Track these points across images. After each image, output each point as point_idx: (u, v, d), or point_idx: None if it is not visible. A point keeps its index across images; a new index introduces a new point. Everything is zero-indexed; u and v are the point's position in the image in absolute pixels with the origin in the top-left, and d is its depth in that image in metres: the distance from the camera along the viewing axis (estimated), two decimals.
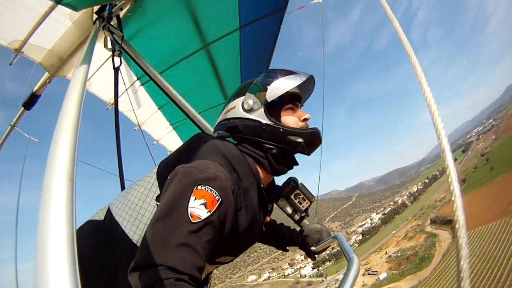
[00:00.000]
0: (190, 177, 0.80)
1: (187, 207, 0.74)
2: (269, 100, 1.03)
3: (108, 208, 1.05)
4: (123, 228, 0.94)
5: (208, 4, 1.89)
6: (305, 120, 1.08)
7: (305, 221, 1.57)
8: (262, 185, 1.00)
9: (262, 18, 1.96)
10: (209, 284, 1.25)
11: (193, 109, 1.78)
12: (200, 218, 0.73)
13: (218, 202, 0.78)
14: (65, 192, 0.49)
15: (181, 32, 2.08)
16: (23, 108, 2.23)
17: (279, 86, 1.03)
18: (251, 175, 0.98)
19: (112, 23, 1.66)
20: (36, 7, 1.47)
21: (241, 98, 1.08)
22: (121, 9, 1.71)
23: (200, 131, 1.11)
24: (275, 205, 1.38)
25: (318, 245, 1.48)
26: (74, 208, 0.48)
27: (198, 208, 0.74)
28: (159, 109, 3.02)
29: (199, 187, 0.77)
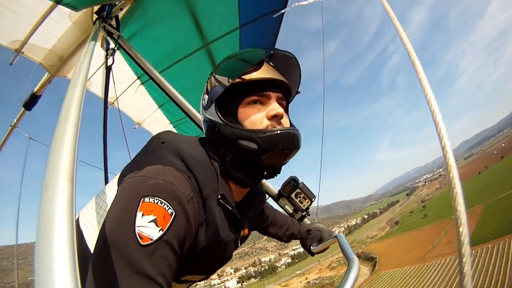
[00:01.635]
0: (136, 189, 0.66)
1: (134, 226, 0.59)
2: (214, 96, 0.83)
3: (78, 216, 0.93)
4: (85, 238, 0.83)
5: (208, 3, 1.89)
6: (274, 117, 0.79)
7: (306, 220, 1.58)
8: (220, 197, 0.77)
9: (261, 17, 1.96)
10: None
11: (193, 108, 1.78)
12: (151, 239, 0.58)
13: (172, 217, 0.63)
14: (65, 192, 0.49)
15: (181, 32, 2.08)
16: (23, 108, 2.24)
17: (223, 75, 0.82)
18: (214, 182, 0.78)
19: (112, 23, 1.66)
20: (36, 7, 1.47)
21: (202, 93, 0.91)
22: (121, 9, 1.71)
23: (166, 130, 0.94)
24: (275, 205, 1.39)
25: (318, 245, 1.48)
26: (74, 208, 0.48)
27: (147, 227, 0.59)
28: (159, 107, 3.03)
29: (147, 199, 0.62)
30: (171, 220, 0.63)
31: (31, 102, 2.18)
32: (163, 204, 0.63)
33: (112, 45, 1.63)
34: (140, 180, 0.68)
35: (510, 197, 79.29)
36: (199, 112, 1.80)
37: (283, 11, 1.53)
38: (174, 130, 3.49)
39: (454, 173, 0.54)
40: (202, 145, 0.86)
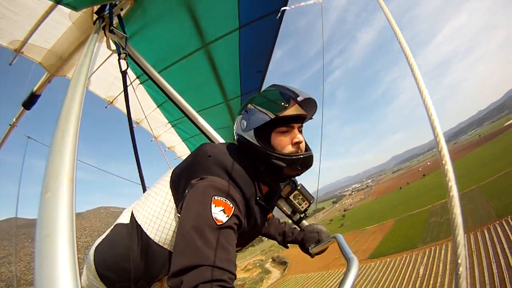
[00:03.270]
0: (208, 190, 0.94)
1: (211, 213, 0.87)
2: (253, 127, 1.10)
3: (132, 212, 1.15)
4: (145, 231, 1.06)
5: (208, 4, 1.90)
6: (297, 143, 1.10)
7: (304, 222, 1.58)
8: (258, 197, 1.08)
9: (261, 18, 1.96)
10: None
11: (191, 108, 1.78)
12: (223, 222, 0.87)
13: (233, 209, 0.92)
14: (65, 192, 0.49)
15: (180, 32, 2.08)
16: (23, 107, 2.23)
17: (261, 117, 1.09)
18: (252, 186, 1.07)
19: (113, 23, 1.66)
20: (36, 7, 1.47)
21: (240, 117, 1.18)
22: (121, 9, 1.71)
23: (205, 142, 1.22)
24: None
25: (317, 245, 1.48)
26: (74, 208, 0.48)
27: (219, 214, 0.88)
28: (158, 107, 3.03)
29: (216, 197, 0.91)
30: (232, 211, 0.92)
31: (30, 101, 2.17)
32: (227, 200, 0.92)
33: (120, 48, 1.63)
34: (209, 184, 0.95)
35: (418, 215, 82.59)
36: (197, 112, 1.81)
37: (284, 8, 1.53)
38: (173, 130, 3.51)
39: (454, 193, 0.55)
40: (238, 154, 1.11)
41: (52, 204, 0.47)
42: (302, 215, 1.50)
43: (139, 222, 1.09)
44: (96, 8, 1.66)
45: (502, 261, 36.91)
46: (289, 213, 1.47)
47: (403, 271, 50.78)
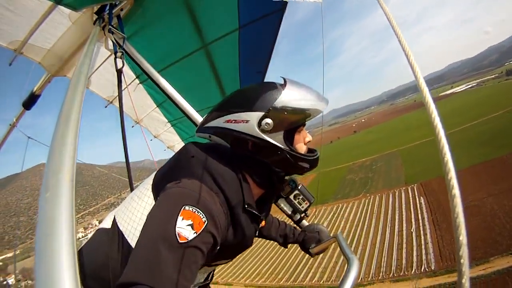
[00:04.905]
0: (179, 198, 0.82)
1: (175, 226, 0.75)
2: (293, 126, 1.00)
3: (114, 217, 1.05)
4: (127, 238, 0.95)
5: (208, 4, 1.90)
6: (307, 143, 1.09)
7: (304, 222, 1.58)
8: (246, 206, 0.96)
9: (261, 19, 1.97)
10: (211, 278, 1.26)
11: (191, 107, 1.78)
12: (187, 239, 0.74)
13: (205, 224, 0.79)
14: (65, 192, 0.49)
15: (180, 32, 2.08)
16: (23, 108, 2.24)
17: (312, 111, 1.00)
18: (239, 192, 0.95)
19: (112, 23, 1.66)
20: (36, 7, 1.48)
21: (256, 114, 0.96)
22: (121, 10, 1.71)
23: (191, 142, 1.08)
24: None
25: (317, 245, 1.48)
26: (74, 207, 0.48)
27: (185, 229, 0.75)
28: (157, 106, 3.04)
29: (187, 208, 0.79)
30: (204, 226, 0.78)
31: (30, 101, 2.18)
32: (199, 213, 0.79)
33: (117, 47, 1.63)
34: (181, 191, 0.85)
35: (337, 171, 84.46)
36: (197, 111, 1.81)
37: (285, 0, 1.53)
38: (172, 129, 3.51)
39: (455, 191, 0.55)
40: (227, 155, 1.00)
41: (52, 203, 0.47)
42: (302, 215, 1.50)
43: (120, 228, 0.98)
44: (96, 8, 1.66)
45: (396, 227, 39.35)
46: (289, 212, 1.47)
47: None
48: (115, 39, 1.62)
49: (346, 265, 0.96)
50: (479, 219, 32.34)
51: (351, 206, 53.56)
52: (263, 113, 0.96)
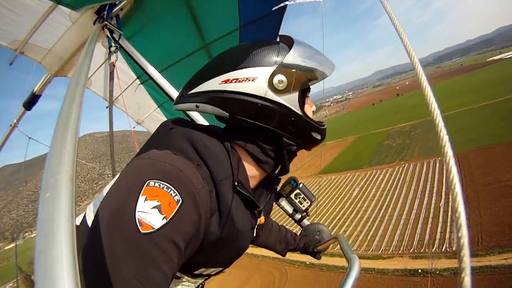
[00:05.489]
0: (140, 171, 0.60)
1: (135, 211, 0.53)
2: (310, 85, 0.81)
3: (85, 214, 0.85)
4: None
5: (208, 4, 1.90)
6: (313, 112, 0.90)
7: (305, 221, 1.58)
8: (237, 184, 0.72)
9: (262, 18, 1.97)
10: None
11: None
12: (153, 228, 0.52)
13: (178, 205, 0.56)
14: (65, 192, 0.49)
15: (181, 32, 2.08)
16: (23, 108, 2.24)
17: (326, 70, 0.81)
18: (228, 167, 0.72)
19: (112, 23, 1.67)
20: (36, 7, 1.47)
21: (266, 70, 0.75)
22: (121, 10, 1.71)
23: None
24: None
25: (318, 246, 1.48)
26: (74, 208, 0.48)
27: (149, 213, 0.53)
28: (158, 107, 3.04)
29: (152, 183, 0.56)
30: (177, 208, 0.56)
31: (31, 101, 2.18)
32: (169, 190, 0.56)
33: (112, 41, 1.63)
34: (145, 162, 0.62)
35: (375, 136, 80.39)
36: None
37: (283, 4, 1.53)
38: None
39: (455, 179, 0.55)
40: (217, 129, 0.82)
41: (52, 204, 0.47)
42: (303, 214, 1.49)
43: (88, 222, 0.78)
44: (96, 8, 1.66)
45: (425, 199, 37.21)
46: (290, 212, 1.47)
47: (340, 190, 51.36)
48: (110, 34, 1.62)
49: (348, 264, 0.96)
50: None
51: (384, 174, 51.08)
52: (274, 68, 0.75)
